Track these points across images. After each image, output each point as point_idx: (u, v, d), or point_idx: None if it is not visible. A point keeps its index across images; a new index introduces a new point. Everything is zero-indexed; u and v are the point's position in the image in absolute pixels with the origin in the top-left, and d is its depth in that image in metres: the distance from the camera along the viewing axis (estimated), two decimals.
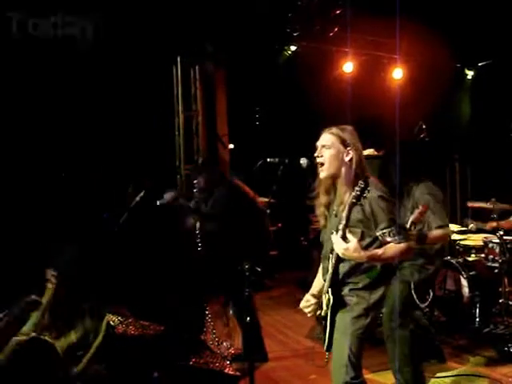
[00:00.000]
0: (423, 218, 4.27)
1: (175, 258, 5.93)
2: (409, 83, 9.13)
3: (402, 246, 3.00)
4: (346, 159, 3.12)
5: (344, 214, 2.98)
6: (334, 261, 3.11)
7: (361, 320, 3.12)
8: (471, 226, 6.68)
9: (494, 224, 6.24)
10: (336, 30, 7.73)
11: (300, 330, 6.19)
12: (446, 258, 5.87)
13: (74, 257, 4.40)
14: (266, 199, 5.26)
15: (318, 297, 3.34)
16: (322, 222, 3.34)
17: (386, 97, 8.38)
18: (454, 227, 6.57)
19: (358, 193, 2.92)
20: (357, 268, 3.12)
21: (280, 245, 8.56)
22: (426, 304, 5.68)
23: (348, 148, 3.12)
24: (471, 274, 5.79)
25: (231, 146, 8.41)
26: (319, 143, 3.20)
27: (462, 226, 6.75)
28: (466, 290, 5.76)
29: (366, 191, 2.94)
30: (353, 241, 2.93)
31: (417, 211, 4.20)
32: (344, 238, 2.97)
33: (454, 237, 6.37)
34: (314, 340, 5.82)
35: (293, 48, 8.31)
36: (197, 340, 5.02)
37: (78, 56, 6.10)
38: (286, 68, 8.31)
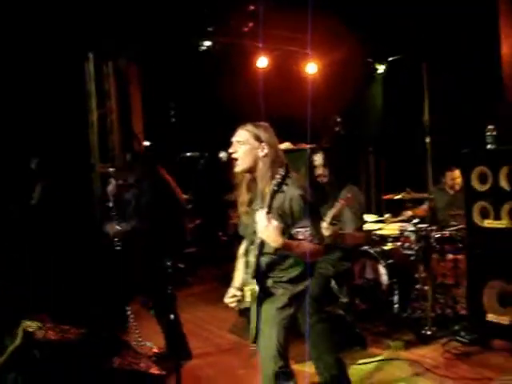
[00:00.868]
0: (343, 211, 4.40)
1: (93, 257, 5.79)
2: (322, 78, 9.28)
3: (315, 246, 3.06)
4: (261, 154, 3.15)
5: (266, 200, 2.97)
6: (256, 253, 3.11)
7: (286, 310, 3.15)
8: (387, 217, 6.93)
9: (410, 213, 6.49)
10: (250, 25, 7.74)
11: (223, 326, 6.18)
12: (363, 248, 6.03)
13: None
14: (187, 196, 5.22)
15: (241, 289, 3.33)
16: (244, 218, 3.35)
17: (301, 91, 8.45)
18: (370, 217, 6.75)
19: (279, 180, 2.93)
20: (279, 262, 3.15)
21: (199, 241, 8.51)
22: (345, 295, 5.80)
23: (262, 143, 3.15)
24: (389, 262, 5.95)
25: (146, 143, 8.28)
26: (234, 139, 3.23)
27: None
28: (384, 278, 5.92)
29: (287, 178, 2.97)
30: (275, 221, 2.93)
31: (338, 204, 4.33)
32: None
33: (371, 227, 6.54)
34: (238, 334, 5.83)
35: (207, 43, 8.25)
36: (120, 341, 4.92)
37: None
38: (201, 63, 8.24)
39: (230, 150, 3.21)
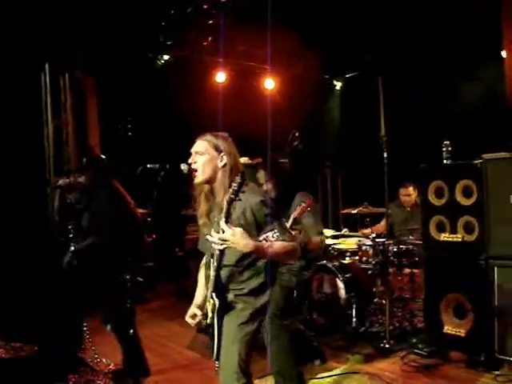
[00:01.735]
0: (304, 216, 4.41)
1: (47, 271, 5.65)
2: (281, 93, 9.38)
3: (288, 244, 3.03)
4: (220, 165, 3.13)
5: (224, 210, 2.93)
6: (215, 267, 3.07)
7: (248, 326, 3.11)
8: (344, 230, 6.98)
9: (368, 230, 6.54)
10: (210, 39, 7.75)
11: (181, 341, 6.09)
12: (321, 262, 6.04)
13: None
14: (145, 209, 5.13)
15: (203, 307, 3.28)
16: (203, 230, 3.30)
17: (259, 107, 8.51)
18: (328, 232, 6.79)
19: (236, 188, 2.91)
20: (240, 273, 3.12)
21: (155, 256, 8.40)
22: (305, 308, 5.80)
23: (222, 154, 3.13)
24: (347, 276, 5.96)
25: (103, 156, 8.14)
26: (193, 149, 3.21)
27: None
28: (342, 292, 5.93)
29: (244, 186, 2.95)
30: (239, 228, 2.89)
31: (299, 207, 4.33)
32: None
33: (329, 241, 6.57)
34: (196, 350, 5.76)
35: (166, 57, 8.22)
36: (75, 358, 4.81)
37: None
38: (159, 76, 8.20)
39: (190, 161, 3.17)
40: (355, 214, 6.59)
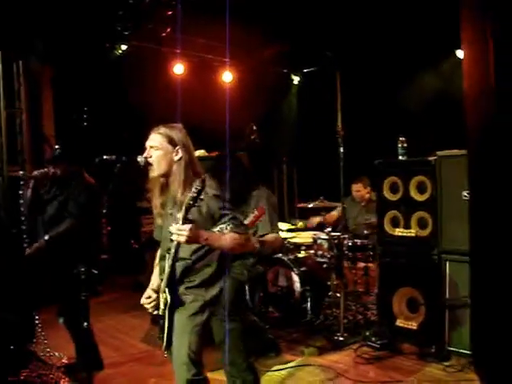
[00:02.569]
0: (257, 223, 4.45)
1: None
2: (239, 86, 9.36)
3: (241, 236, 3.08)
4: (176, 158, 3.14)
5: (181, 215, 2.93)
6: (171, 259, 3.08)
7: (197, 317, 3.14)
8: (300, 224, 7.04)
9: (318, 219, 6.63)
10: (168, 30, 7.67)
11: (134, 334, 6.06)
12: (277, 256, 6.08)
13: None
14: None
15: (157, 292, 3.29)
16: (158, 221, 3.34)
17: (217, 99, 8.47)
18: (284, 226, 6.83)
19: (195, 194, 2.88)
20: (193, 266, 3.15)
21: (110, 248, 8.30)
22: (258, 301, 5.82)
23: (177, 147, 3.14)
24: (302, 269, 6.02)
25: (57, 147, 8.00)
26: (148, 144, 3.20)
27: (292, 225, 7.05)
28: (297, 286, 5.98)
29: (203, 193, 2.93)
30: (189, 225, 2.91)
31: (252, 215, 4.35)
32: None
33: (285, 235, 6.61)
34: (150, 343, 5.73)
35: (124, 47, 8.11)
36: (26, 351, 4.71)
37: None
38: (116, 67, 8.08)
39: (144, 156, 3.17)
40: (311, 207, 6.64)
